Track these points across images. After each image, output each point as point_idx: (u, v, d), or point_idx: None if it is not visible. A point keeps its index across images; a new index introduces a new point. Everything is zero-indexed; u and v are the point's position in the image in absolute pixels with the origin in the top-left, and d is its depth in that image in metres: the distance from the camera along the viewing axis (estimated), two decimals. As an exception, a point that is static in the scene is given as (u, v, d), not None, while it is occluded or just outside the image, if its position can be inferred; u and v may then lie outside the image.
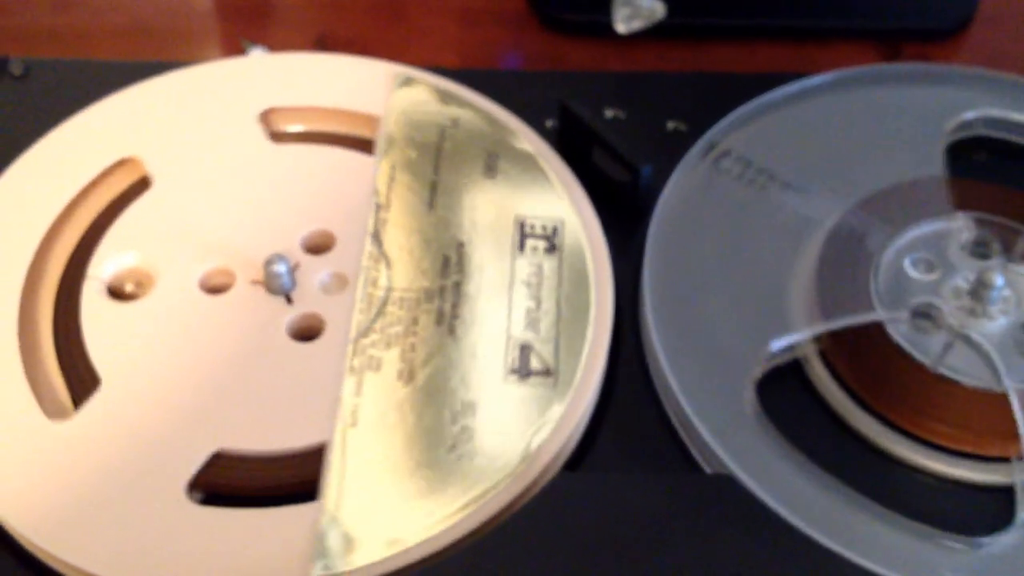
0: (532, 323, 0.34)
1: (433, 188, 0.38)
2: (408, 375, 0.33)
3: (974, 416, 0.33)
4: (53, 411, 0.32)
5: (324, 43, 0.47)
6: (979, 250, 0.37)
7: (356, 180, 0.38)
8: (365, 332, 0.34)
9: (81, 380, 0.33)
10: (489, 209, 0.37)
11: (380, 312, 0.34)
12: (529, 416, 0.32)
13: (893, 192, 0.38)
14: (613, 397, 0.34)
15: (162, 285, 0.35)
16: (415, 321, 0.34)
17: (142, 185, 0.38)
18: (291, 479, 0.31)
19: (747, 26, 0.51)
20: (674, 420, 0.33)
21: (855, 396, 0.34)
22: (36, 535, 0.29)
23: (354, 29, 0.53)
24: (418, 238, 0.36)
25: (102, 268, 0.35)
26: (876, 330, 0.35)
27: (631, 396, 0.34)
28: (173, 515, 0.30)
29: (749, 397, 0.33)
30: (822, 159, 0.40)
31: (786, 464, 0.32)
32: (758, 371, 0.34)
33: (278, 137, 0.40)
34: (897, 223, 0.37)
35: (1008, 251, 0.37)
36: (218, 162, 0.38)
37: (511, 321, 0.34)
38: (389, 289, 0.35)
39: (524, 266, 0.36)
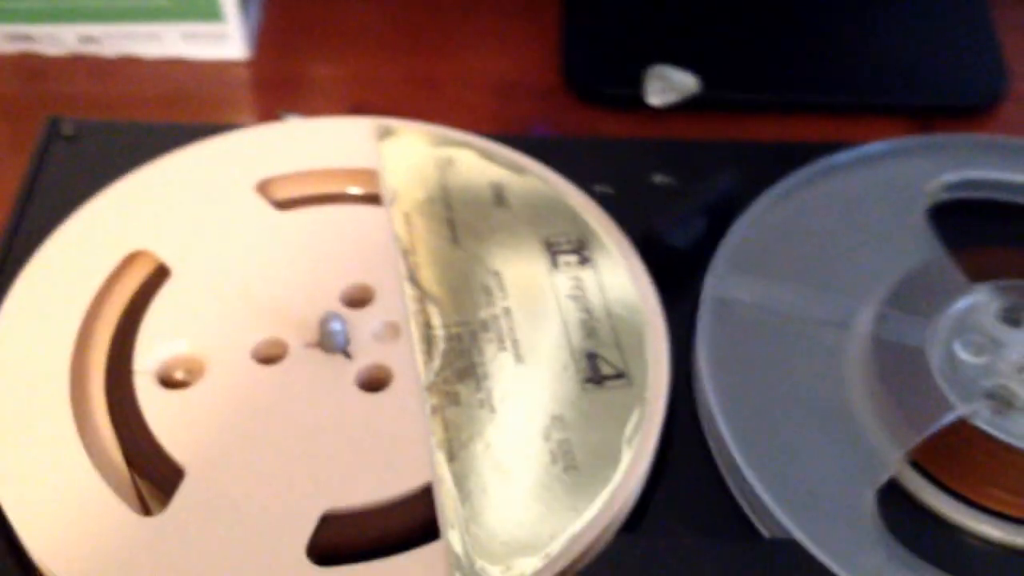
0: (591, 332, 0.35)
1: (452, 225, 0.38)
2: (489, 403, 0.33)
3: None
4: (142, 508, 0.32)
5: (358, 113, 0.47)
6: (1012, 316, 0.36)
7: (372, 232, 0.38)
8: (437, 371, 0.34)
9: (162, 473, 0.32)
10: (512, 236, 0.38)
11: (443, 349, 0.34)
12: (617, 418, 0.33)
13: (906, 284, 0.37)
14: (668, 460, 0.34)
15: (215, 367, 0.35)
16: (480, 352, 0.34)
17: (160, 275, 0.37)
18: (405, 525, 0.31)
19: (782, 101, 0.51)
20: (732, 488, 0.33)
21: (959, 496, 0.33)
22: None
23: (388, 101, 0.53)
24: (454, 273, 0.37)
25: (147, 361, 0.35)
26: (963, 427, 0.34)
27: (686, 460, 0.34)
28: (300, 583, 0.30)
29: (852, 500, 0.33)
30: (814, 257, 0.39)
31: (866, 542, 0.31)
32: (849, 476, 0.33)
33: (281, 205, 0.40)
34: (925, 312, 0.36)
35: None
36: (229, 238, 0.38)
37: (570, 334, 0.35)
38: (445, 326, 0.35)
39: (563, 281, 0.37)
